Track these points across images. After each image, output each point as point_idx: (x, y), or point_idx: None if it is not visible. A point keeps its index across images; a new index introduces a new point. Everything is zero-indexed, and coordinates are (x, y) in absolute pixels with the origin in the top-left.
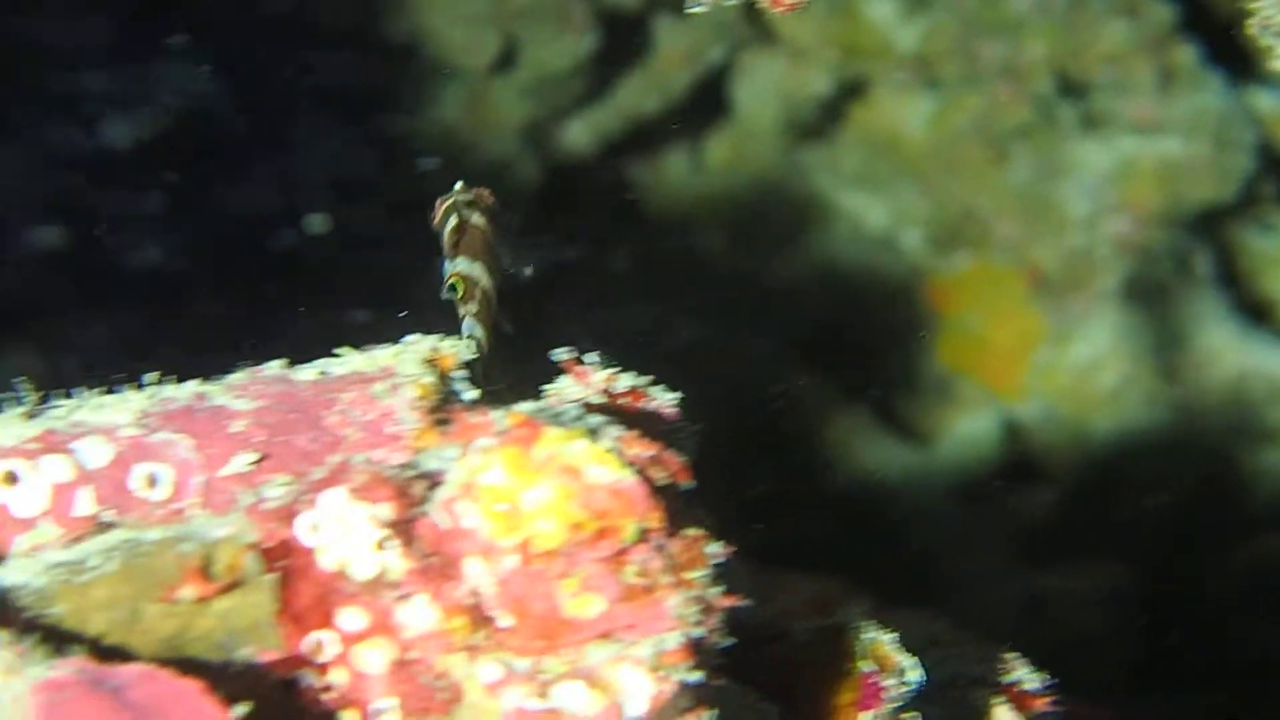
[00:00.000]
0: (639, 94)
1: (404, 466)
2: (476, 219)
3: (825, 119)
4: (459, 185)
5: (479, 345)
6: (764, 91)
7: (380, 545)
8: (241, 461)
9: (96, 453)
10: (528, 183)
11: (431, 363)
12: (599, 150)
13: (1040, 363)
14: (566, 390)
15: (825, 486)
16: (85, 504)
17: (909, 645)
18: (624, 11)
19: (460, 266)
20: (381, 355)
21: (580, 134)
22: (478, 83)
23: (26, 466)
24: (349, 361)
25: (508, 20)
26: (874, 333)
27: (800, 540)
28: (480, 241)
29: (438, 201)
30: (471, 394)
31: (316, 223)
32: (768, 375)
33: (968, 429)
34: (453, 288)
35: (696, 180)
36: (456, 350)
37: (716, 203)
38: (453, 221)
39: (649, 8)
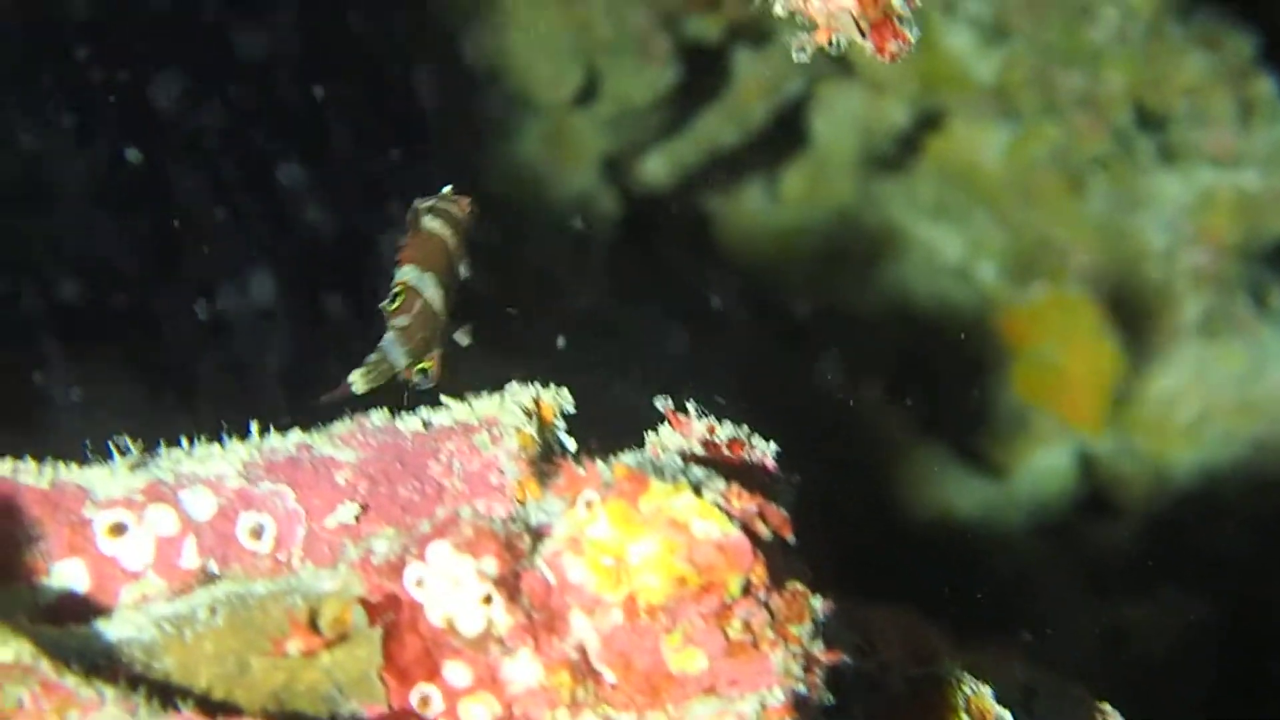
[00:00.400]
0: (718, 126)
1: (509, 519)
2: (436, 226)
3: (902, 150)
4: (446, 189)
5: (385, 364)
6: (842, 123)
7: (486, 600)
8: (345, 513)
9: (202, 504)
10: (607, 215)
11: (532, 413)
12: (677, 182)
13: (1117, 395)
14: (666, 439)
15: (901, 518)
16: (191, 555)
17: (1005, 697)
18: (705, 44)
19: (406, 275)
20: (483, 405)
21: (659, 166)
22: (559, 116)
23: (133, 518)
24: (452, 411)
25: (590, 53)
26: (949, 364)
27: (877, 572)
28: (436, 250)
29: (416, 202)
30: (573, 443)
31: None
32: (843, 408)
33: (1044, 462)
34: (394, 296)
35: (772, 211)
36: (557, 400)
37: (792, 234)
38: (410, 229)
39: (729, 40)
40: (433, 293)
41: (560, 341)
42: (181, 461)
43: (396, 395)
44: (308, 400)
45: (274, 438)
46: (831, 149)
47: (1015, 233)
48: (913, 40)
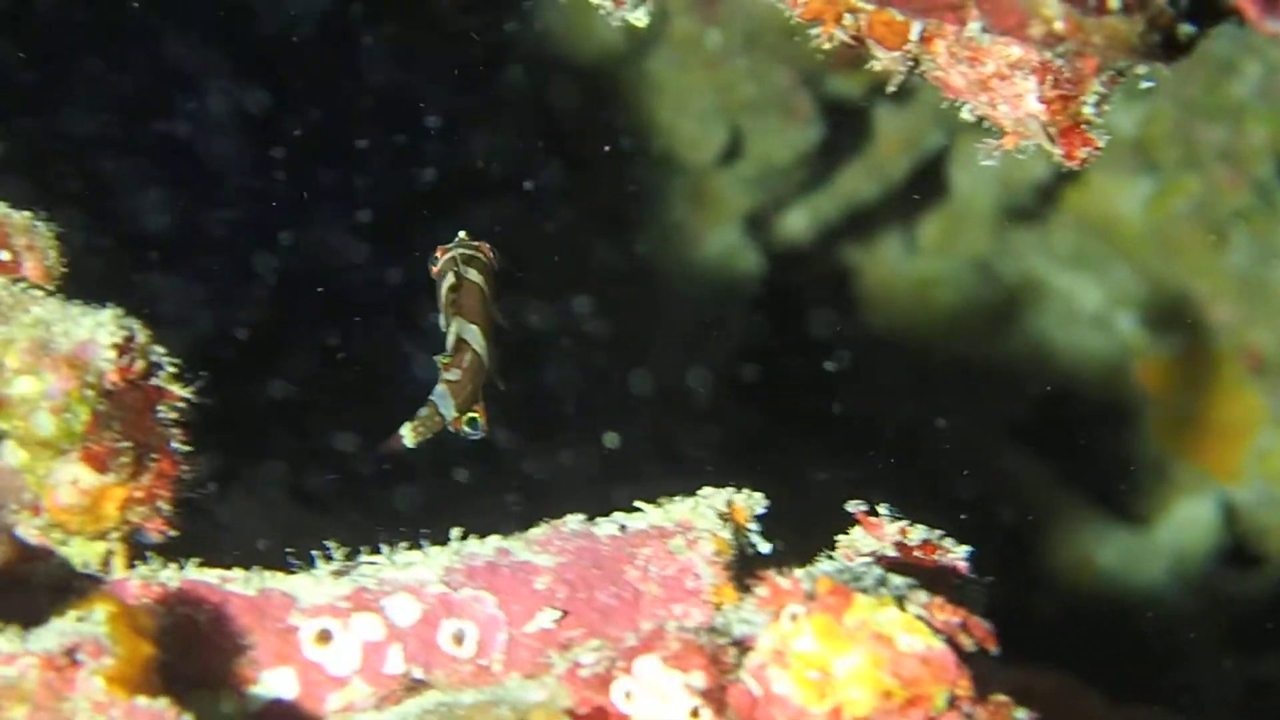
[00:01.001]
0: (859, 180)
1: (713, 631)
2: (473, 276)
3: (1041, 201)
4: (462, 234)
5: (436, 417)
6: (982, 175)
7: (694, 714)
8: (545, 618)
9: (405, 610)
10: (750, 271)
11: (726, 516)
12: (818, 237)
13: (1259, 446)
14: (859, 542)
15: (1041, 568)
16: (396, 662)
17: None
18: (846, 101)
19: (456, 329)
20: (678, 509)
21: (800, 221)
22: (702, 175)
23: (339, 625)
24: (647, 516)
25: (735, 113)
26: (1088, 414)
27: (1022, 623)
28: (477, 300)
29: (438, 250)
30: (766, 546)
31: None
32: (984, 458)
33: (1186, 512)
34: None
35: (910, 262)
36: (749, 503)
37: (929, 284)
38: (450, 279)
39: (869, 96)
40: (480, 345)
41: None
42: (384, 568)
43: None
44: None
45: (473, 543)
46: (971, 200)
47: (1155, 284)
48: (1101, 145)
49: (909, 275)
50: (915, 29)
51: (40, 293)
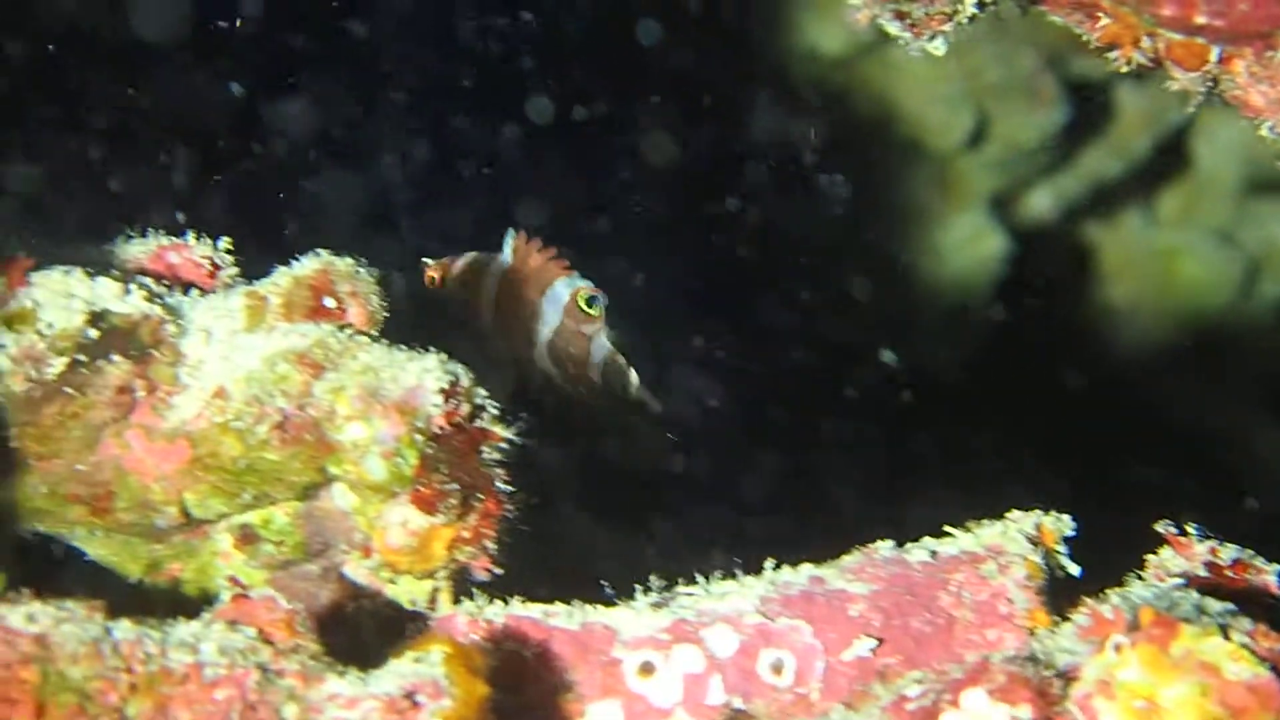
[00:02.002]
0: (1102, 158)
1: (1033, 660)
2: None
3: None
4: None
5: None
6: (1225, 149)
7: None
8: (862, 646)
9: (725, 641)
10: (996, 252)
11: (1036, 540)
12: (1061, 215)
13: None
14: (1169, 563)
15: None
16: (717, 692)
17: None
18: (1089, 82)
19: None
20: (987, 534)
21: (1043, 201)
22: (948, 159)
23: (661, 657)
24: (957, 540)
25: (980, 97)
26: None
27: None
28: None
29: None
30: (1076, 569)
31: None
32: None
33: None
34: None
35: (1149, 234)
36: (1058, 525)
37: (1171, 255)
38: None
39: (1111, 76)
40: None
41: None
42: (701, 598)
43: None
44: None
45: (786, 572)
46: (1213, 173)
47: None
48: None
49: (1150, 248)
50: (1215, 52)
51: (366, 339)
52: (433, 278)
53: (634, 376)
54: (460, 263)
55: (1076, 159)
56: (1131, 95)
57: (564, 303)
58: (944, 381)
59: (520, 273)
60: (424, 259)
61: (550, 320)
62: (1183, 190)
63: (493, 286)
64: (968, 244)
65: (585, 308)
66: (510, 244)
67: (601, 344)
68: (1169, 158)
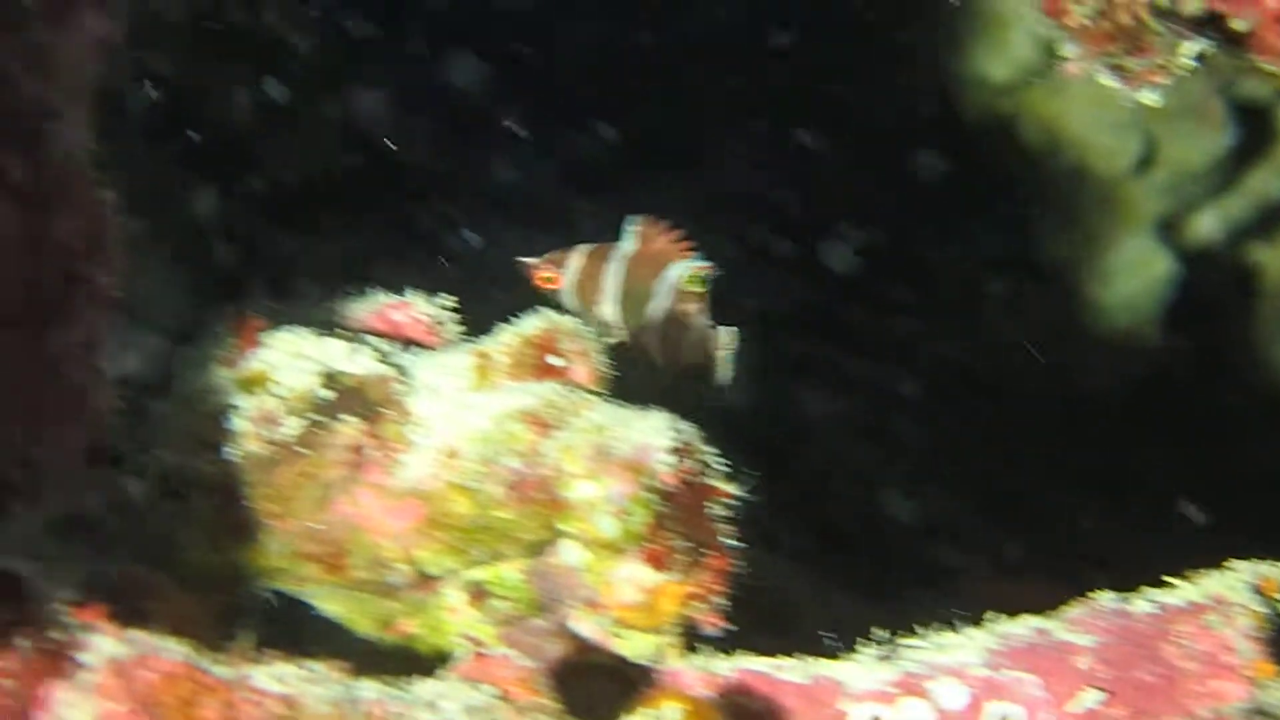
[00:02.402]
0: (1268, 178)
1: (1258, 711)
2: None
3: None
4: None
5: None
6: None
7: None
8: (1089, 699)
9: (952, 694)
10: (1162, 274)
11: (1259, 589)
12: (1227, 238)
13: None
14: None
15: None
16: None
17: None
18: (1257, 104)
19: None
20: (1209, 583)
21: (1210, 223)
22: (1115, 183)
23: (888, 710)
24: (1179, 590)
25: (1148, 121)
26: None
27: None
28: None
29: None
30: None
31: None
32: None
33: None
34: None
35: None
36: (1277, 571)
37: None
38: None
39: (1275, 96)
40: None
41: None
42: (926, 650)
43: None
44: None
45: (1008, 623)
46: None
47: None
48: None
49: None
50: None
51: (593, 397)
52: (547, 276)
53: (724, 358)
54: (576, 256)
55: (1242, 180)
56: None
57: (673, 283)
58: (1106, 404)
59: (644, 256)
60: (520, 259)
61: (660, 302)
62: None
63: (615, 275)
64: (1136, 267)
65: (691, 287)
66: (634, 230)
67: (701, 323)
68: None
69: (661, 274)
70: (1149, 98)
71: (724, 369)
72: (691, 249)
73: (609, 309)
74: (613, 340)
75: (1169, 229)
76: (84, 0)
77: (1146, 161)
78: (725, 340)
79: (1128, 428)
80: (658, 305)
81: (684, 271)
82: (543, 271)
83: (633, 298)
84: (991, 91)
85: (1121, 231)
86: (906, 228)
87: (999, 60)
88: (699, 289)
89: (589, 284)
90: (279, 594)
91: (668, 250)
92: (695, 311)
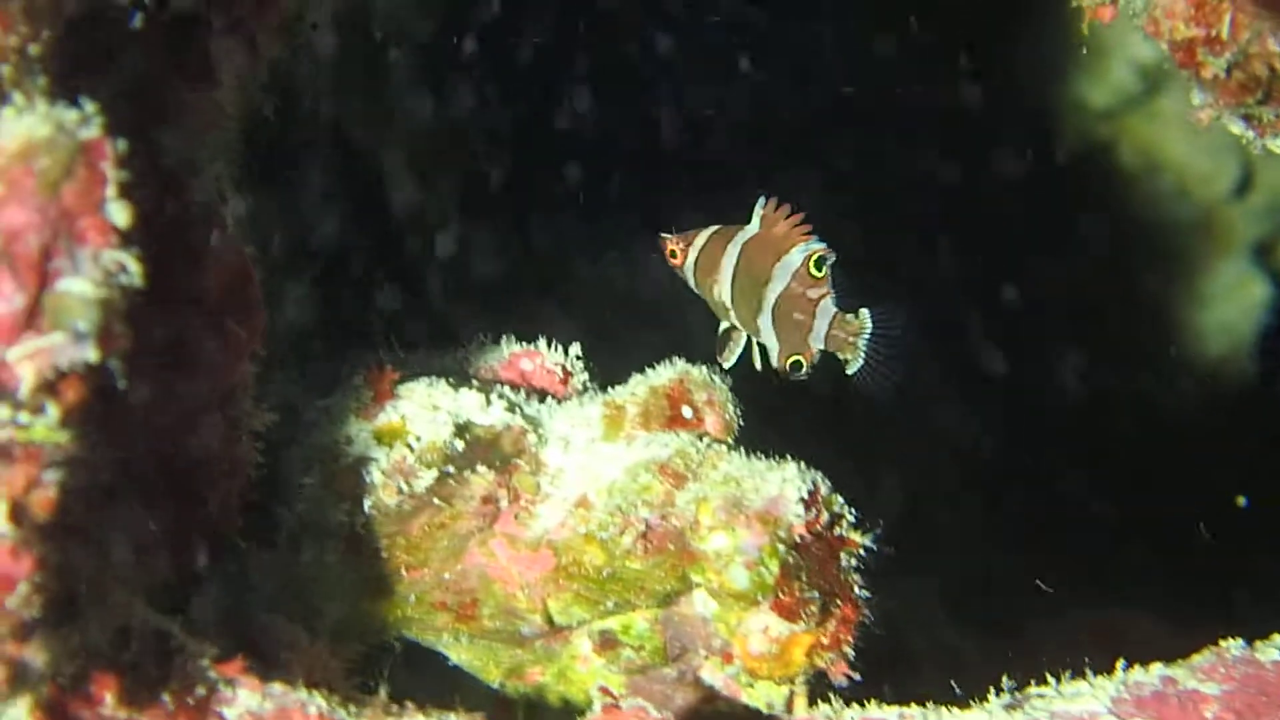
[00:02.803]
0: None
1: None
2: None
3: None
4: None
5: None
6: None
7: None
8: None
9: None
10: (1258, 299)
11: None
12: None
13: None
14: None
15: None
16: None
17: None
18: None
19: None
20: None
21: None
22: (1213, 208)
23: None
24: None
25: (1245, 147)
26: None
27: None
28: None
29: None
30: None
31: None
32: None
33: None
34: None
35: None
36: None
37: None
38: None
39: None
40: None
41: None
42: (1053, 699)
43: None
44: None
45: (1138, 672)
46: None
47: None
48: None
49: None
50: None
51: (724, 448)
52: (674, 251)
53: (860, 344)
54: (703, 236)
55: None
56: None
57: (795, 267)
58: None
59: (763, 239)
60: (662, 234)
61: (778, 285)
62: None
63: (735, 256)
64: (1232, 291)
65: (814, 271)
66: (759, 211)
67: (828, 308)
68: None
69: (782, 258)
70: (1277, 145)
71: (855, 354)
72: (812, 233)
73: (723, 290)
74: (726, 325)
75: (1265, 254)
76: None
77: (1244, 186)
78: (857, 325)
79: (1221, 459)
80: (774, 289)
81: (804, 255)
82: (671, 246)
83: (748, 280)
84: (1091, 117)
85: (1219, 256)
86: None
87: (1100, 86)
88: (820, 273)
89: (708, 264)
90: (412, 643)
91: (789, 234)
92: (818, 296)
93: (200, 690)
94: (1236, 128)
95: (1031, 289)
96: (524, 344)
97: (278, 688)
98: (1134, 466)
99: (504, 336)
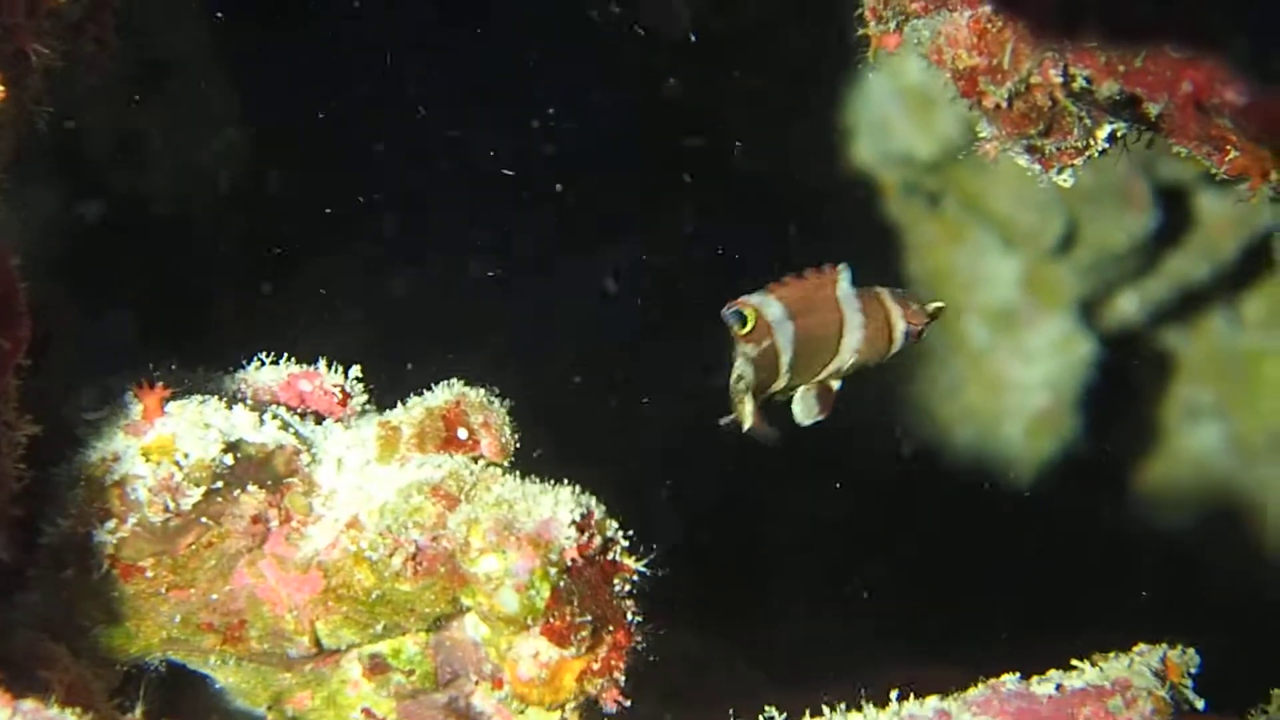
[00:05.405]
0: (1189, 262)
1: None
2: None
3: None
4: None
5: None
6: None
7: None
8: None
9: None
10: (1084, 356)
11: (1162, 674)
12: (1148, 319)
13: None
14: None
15: None
16: None
17: None
18: (1177, 185)
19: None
20: (1113, 667)
21: (1130, 305)
22: (1038, 262)
23: None
24: (1083, 674)
25: (1071, 201)
26: None
27: None
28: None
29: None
30: (1201, 703)
31: None
32: None
33: None
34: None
35: (1236, 337)
36: (1184, 660)
37: (1258, 358)
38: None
39: (1197, 180)
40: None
41: None
42: None
43: None
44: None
45: (912, 704)
46: None
47: None
48: None
49: (1236, 351)
50: None
51: (498, 471)
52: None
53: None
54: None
55: (1163, 262)
56: (1219, 200)
57: (860, 300)
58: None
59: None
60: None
61: (855, 321)
62: (1269, 294)
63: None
64: (1057, 347)
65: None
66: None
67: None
68: (1255, 261)
69: (836, 297)
70: (1064, 180)
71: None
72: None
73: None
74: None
75: (1090, 310)
76: None
77: (1070, 241)
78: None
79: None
80: (855, 329)
81: (850, 282)
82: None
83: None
84: (918, 169)
85: (1044, 311)
86: None
87: (924, 137)
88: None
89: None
90: (178, 665)
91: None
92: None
93: None
94: (1022, 160)
95: None
96: (303, 365)
97: (28, 704)
98: (951, 523)
99: (283, 358)
